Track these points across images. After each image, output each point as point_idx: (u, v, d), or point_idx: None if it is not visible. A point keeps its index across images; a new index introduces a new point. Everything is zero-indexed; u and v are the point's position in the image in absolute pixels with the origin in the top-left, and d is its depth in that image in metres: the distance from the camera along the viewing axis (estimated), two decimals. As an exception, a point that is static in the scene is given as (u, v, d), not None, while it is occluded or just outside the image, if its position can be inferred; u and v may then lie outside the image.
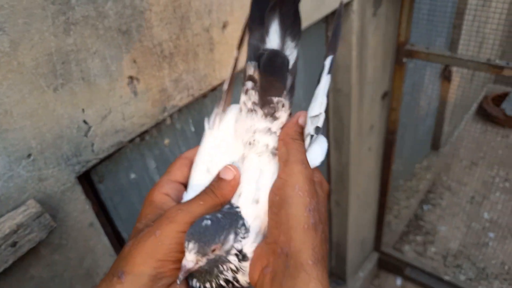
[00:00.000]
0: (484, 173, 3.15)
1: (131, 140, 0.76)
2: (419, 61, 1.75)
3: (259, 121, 0.50)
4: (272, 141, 0.50)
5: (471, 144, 3.41)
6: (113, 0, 0.62)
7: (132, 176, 0.85)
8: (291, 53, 0.49)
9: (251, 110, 0.50)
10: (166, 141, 0.90)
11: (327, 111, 1.63)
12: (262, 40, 0.49)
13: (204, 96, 0.90)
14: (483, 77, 3.50)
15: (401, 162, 2.69)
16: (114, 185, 0.82)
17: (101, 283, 0.45)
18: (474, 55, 1.75)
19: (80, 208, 0.68)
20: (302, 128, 0.50)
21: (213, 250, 0.43)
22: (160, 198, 0.49)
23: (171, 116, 0.87)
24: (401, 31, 1.61)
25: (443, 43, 2.51)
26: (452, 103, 2.96)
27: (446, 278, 2.31)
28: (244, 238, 0.46)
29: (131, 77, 0.69)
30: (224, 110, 0.53)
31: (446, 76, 2.70)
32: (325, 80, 0.50)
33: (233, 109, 0.53)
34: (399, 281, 2.51)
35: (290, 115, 0.52)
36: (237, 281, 0.46)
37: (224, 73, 0.87)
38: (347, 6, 1.31)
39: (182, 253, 0.44)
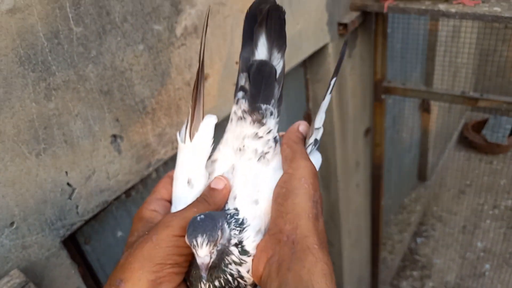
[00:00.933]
0: (472, 201, 3.16)
1: (117, 198, 0.75)
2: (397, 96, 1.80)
3: (247, 127, 0.53)
4: (260, 146, 0.53)
5: (456, 173, 3.45)
6: (94, 63, 0.63)
7: (119, 234, 0.84)
8: (278, 63, 0.54)
9: (240, 118, 0.53)
10: (153, 195, 0.89)
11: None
12: (252, 53, 0.53)
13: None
14: (460, 106, 3.60)
15: (390, 196, 2.69)
16: (100, 245, 0.80)
17: None
18: (449, 88, 1.81)
19: (66, 273, 0.66)
20: (302, 135, 0.54)
21: (220, 237, 0.44)
22: (150, 214, 0.51)
23: (156, 170, 0.86)
24: (377, 69, 1.66)
25: (419, 77, 2.59)
26: (434, 133, 3.02)
27: (447, 312, 2.26)
28: (239, 228, 0.47)
29: (114, 136, 0.69)
30: (192, 124, 0.55)
31: (425, 108, 2.76)
32: (327, 98, 0.55)
33: (208, 119, 0.55)
34: (399, 319, 2.46)
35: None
36: (242, 277, 0.47)
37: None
38: (323, 49, 1.35)
39: (179, 256, 0.45)
